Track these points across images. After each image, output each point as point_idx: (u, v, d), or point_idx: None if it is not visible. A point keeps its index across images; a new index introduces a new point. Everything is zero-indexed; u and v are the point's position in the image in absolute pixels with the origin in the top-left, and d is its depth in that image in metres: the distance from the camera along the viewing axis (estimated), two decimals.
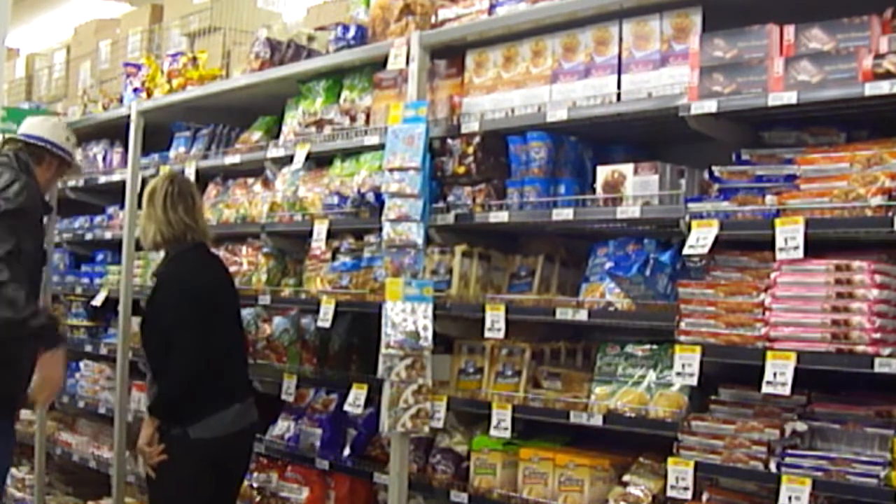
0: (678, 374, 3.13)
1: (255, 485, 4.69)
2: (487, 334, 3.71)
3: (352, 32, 4.51)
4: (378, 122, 4.33)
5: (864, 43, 2.92)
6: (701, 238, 3.07)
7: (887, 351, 2.77)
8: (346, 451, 4.39)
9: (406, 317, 3.78)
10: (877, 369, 2.76)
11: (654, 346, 3.49)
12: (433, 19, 4.19)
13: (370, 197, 4.19)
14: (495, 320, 3.68)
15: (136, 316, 5.58)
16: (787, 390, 2.87)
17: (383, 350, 3.80)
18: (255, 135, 5.19)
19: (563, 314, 3.53)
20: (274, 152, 4.84)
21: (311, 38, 4.98)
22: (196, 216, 4.07)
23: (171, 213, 3.98)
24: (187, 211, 4.02)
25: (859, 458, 2.84)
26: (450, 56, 4.13)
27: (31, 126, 4.46)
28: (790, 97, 2.97)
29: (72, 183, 6.35)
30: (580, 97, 3.59)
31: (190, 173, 5.29)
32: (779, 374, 2.88)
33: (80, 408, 6.35)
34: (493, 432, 3.69)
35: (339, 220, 4.39)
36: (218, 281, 4.09)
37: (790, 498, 2.85)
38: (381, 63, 4.20)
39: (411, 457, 4.00)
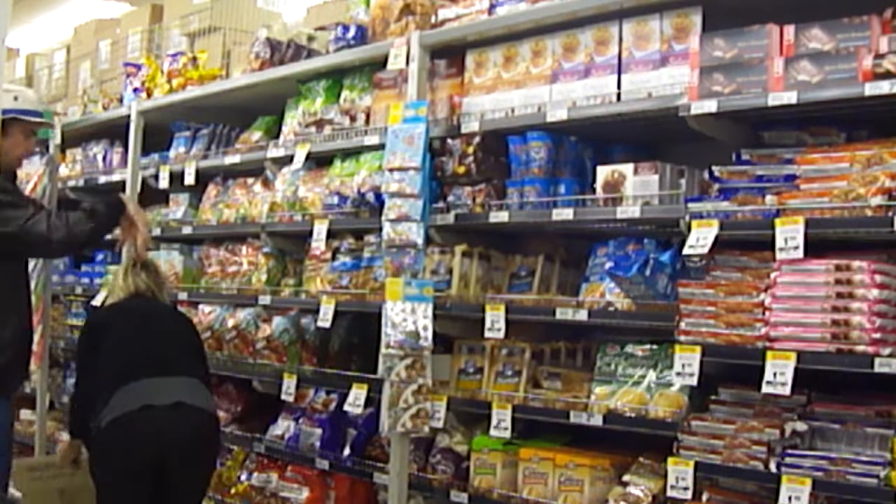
0: (678, 374, 3.13)
1: (255, 485, 4.69)
2: (487, 334, 3.71)
3: (352, 32, 4.51)
4: (378, 122, 4.33)
5: (864, 43, 2.92)
6: (701, 238, 3.07)
7: (887, 351, 2.77)
8: (346, 451, 4.39)
9: (406, 317, 3.78)
10: (877, 369, 2.76)
11: (654, 346, 3.49)
12: (433, 19, 4.18)
13: (370, 197, 4.19)
14: (495, 320, 3.68)
15: None
16: (787, 390, 2.87)
17: (383, 350, 3.80)
18: (255, 135, 5.18)
19: (563, 314, 3.54)
20: (274, 152, 4.84)
21: (311, 38, 4.97)
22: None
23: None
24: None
25: (859, 458, 2.84)
26: (450, 56, 4.13)
27: None
28: (790, 97, 2.96)
29: (72, 182, 6.35)
30: (580, 97, 3.59)
31: (190, 173, 5.30)
32: (779, 374, 2.88)
33: None
34: (493, 432, 3.69)
35: (339, 220, 4.39)
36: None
37: (790, 498, 2.85)
38: (381, 63, 4.20)
39: (411, 457, 4.00)
